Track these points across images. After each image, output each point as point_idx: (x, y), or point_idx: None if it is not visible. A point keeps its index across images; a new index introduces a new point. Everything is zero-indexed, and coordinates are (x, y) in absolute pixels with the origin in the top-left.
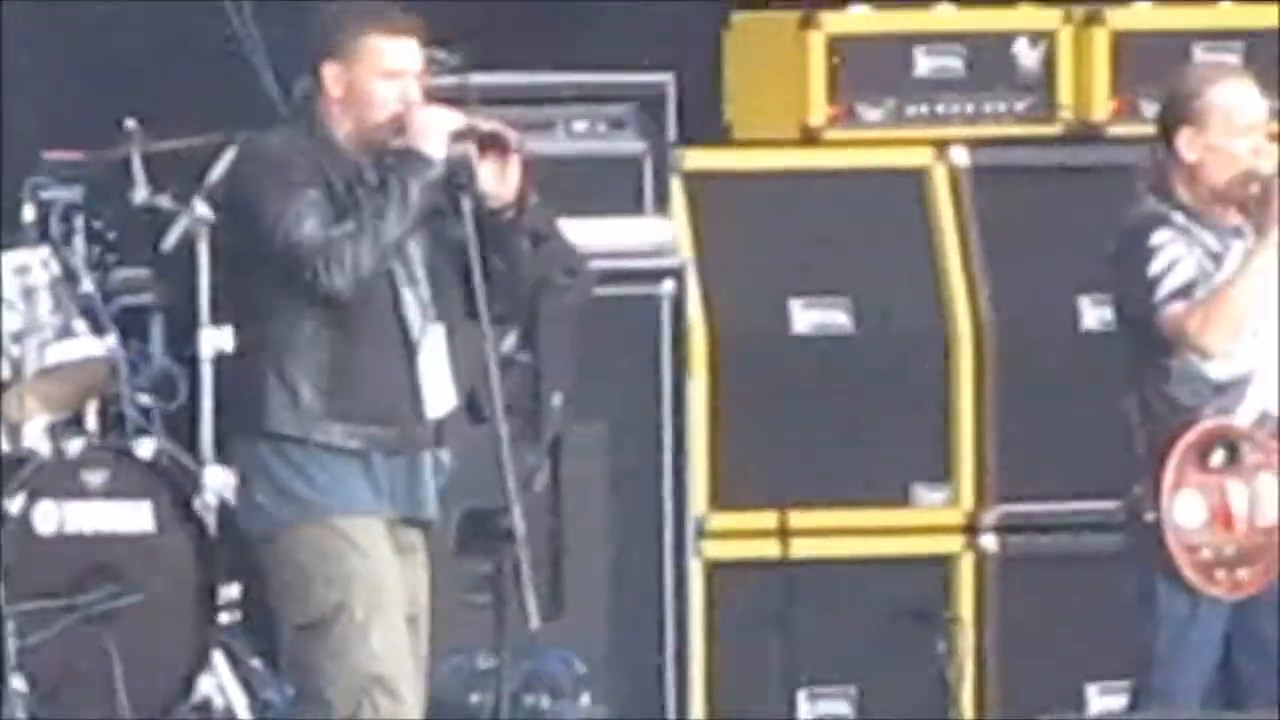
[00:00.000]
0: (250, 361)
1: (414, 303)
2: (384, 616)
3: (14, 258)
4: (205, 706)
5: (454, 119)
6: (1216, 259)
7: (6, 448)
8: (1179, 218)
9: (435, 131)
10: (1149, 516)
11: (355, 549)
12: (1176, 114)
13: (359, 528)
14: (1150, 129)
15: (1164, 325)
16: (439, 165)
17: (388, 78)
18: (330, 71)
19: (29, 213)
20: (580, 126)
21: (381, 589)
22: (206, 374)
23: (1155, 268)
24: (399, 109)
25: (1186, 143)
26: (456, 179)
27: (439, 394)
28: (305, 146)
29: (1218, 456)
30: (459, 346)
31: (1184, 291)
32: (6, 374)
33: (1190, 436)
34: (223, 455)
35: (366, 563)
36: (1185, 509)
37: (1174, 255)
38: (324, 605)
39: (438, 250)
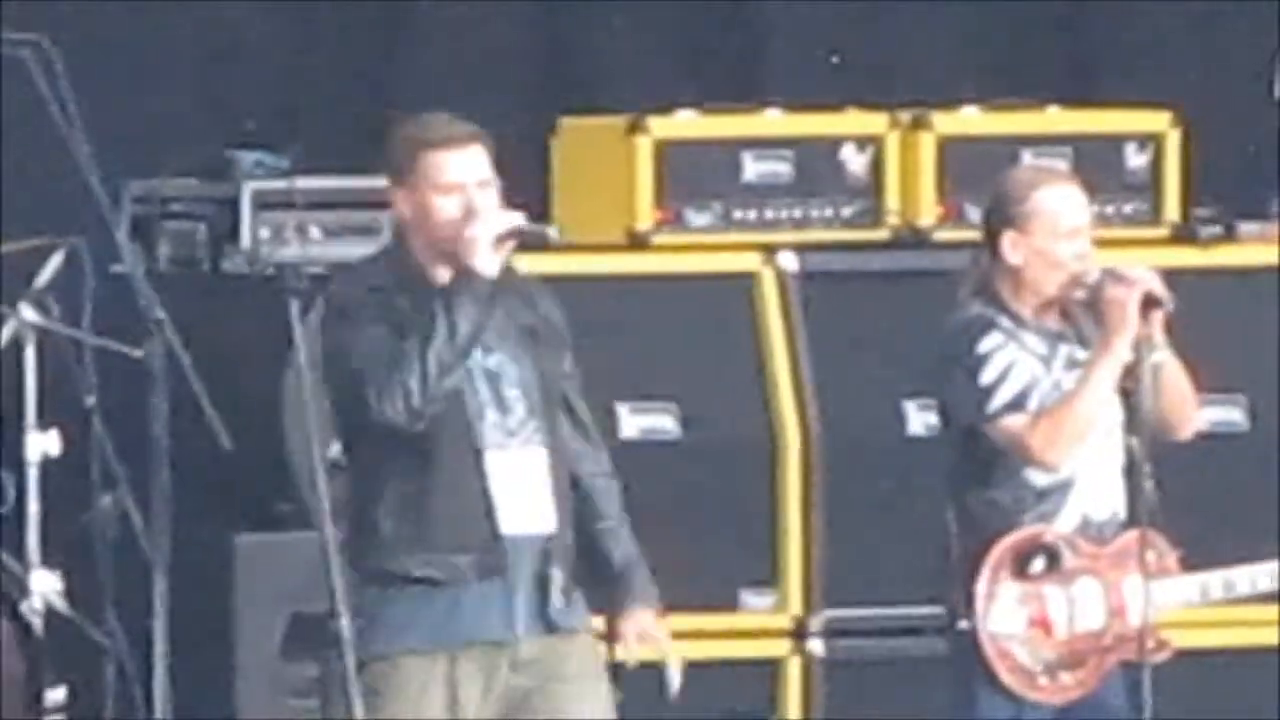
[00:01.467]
0: (352, 502)
1: (492, 422)
2: None
3: None
4: None
5: (498, 224)
6: (1045, 362)
7: None
8: (1005, 322)
9: (479, 244)
10: (962, 624)
11: (402, 691)
12: (1001, 218)
13: (415, 667)
14: (977, 234)
15: (999, 436)
16: (487, 280)
17: (447, 192)
18: (399, 195)
19: None
20: None
21: None
22: (33, 478)
23: (987, 377)
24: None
25: (1011, 247)
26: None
27: (515, 512)
28: (385, 277)
29: (1037, 563)
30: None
31: (1019, 402)
32: None
33: (1006, 543)
34: (49, 559)
35: (407, 706)
36: (1001, 616)
37: (1006, 362)
38: None
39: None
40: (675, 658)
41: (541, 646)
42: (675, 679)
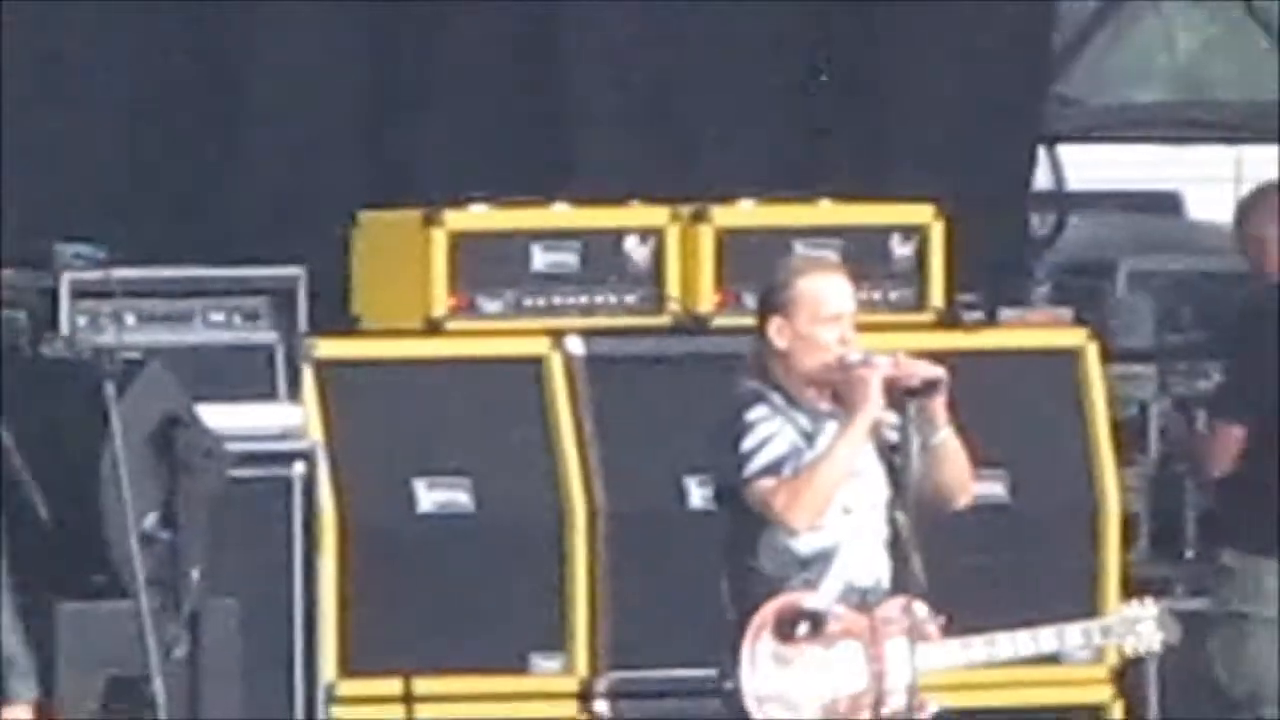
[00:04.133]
0: None
1: None
2: None
3: None
4: None
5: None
6: (809, 438)
7: None
8: (776, 398)
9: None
10: (728, 684)
11: None
12: (769, 303)
13: None
14: (753, 319)
15: (752, 498)
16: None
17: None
18: (774, 326)
19: None
20: (217, 317)
21: None
22: None
23: (748, 443)
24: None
25: (777, 330)
26: None
27: None
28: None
29: (802, 627)
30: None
31: (773, 468)
32: None
33: (767, 609)
34: None
35: None
36: (765, 678)
37: (767, 432)
38: None
39: None
40: None
41: None
42: None
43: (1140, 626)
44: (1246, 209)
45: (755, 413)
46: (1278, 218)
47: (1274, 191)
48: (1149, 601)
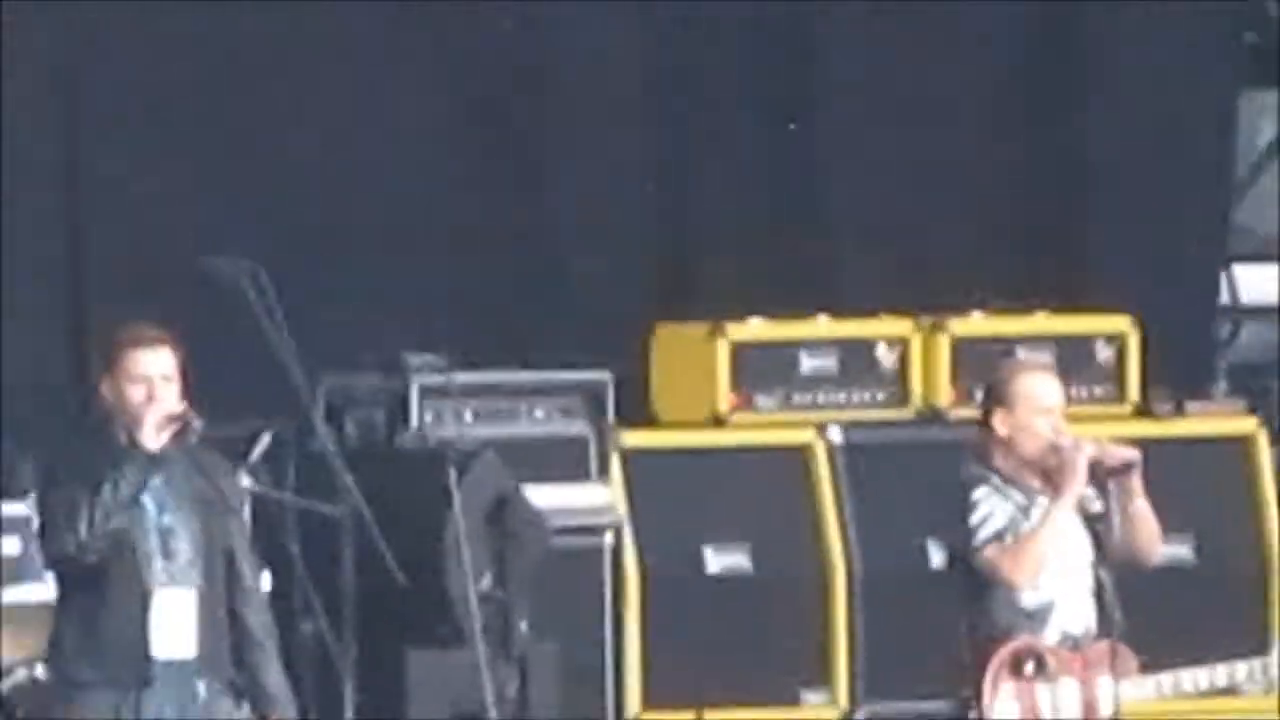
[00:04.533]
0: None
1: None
2: None
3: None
4: None
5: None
6: (1025, 512)
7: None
8: (996, 479)
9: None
10: (972, 715)
11: None
12: (992, 398)
13: None
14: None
15: (982, 563)
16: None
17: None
18: (997, 417)
19: None
20: (540, 414)
21: None
22: None
23: (975, 518)
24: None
25: (1000, 421)
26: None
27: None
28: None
29: (1029, 667)
30: None
31: (998, 537)
32: None
33: (1004, 652)
34: None
35: None
36: (1002, 708)
37: (990, 508)
38: None
39: None
40: None
41: None
42: None
43: None
44: None
45: (979, 492)
46: None
47: None
48: None
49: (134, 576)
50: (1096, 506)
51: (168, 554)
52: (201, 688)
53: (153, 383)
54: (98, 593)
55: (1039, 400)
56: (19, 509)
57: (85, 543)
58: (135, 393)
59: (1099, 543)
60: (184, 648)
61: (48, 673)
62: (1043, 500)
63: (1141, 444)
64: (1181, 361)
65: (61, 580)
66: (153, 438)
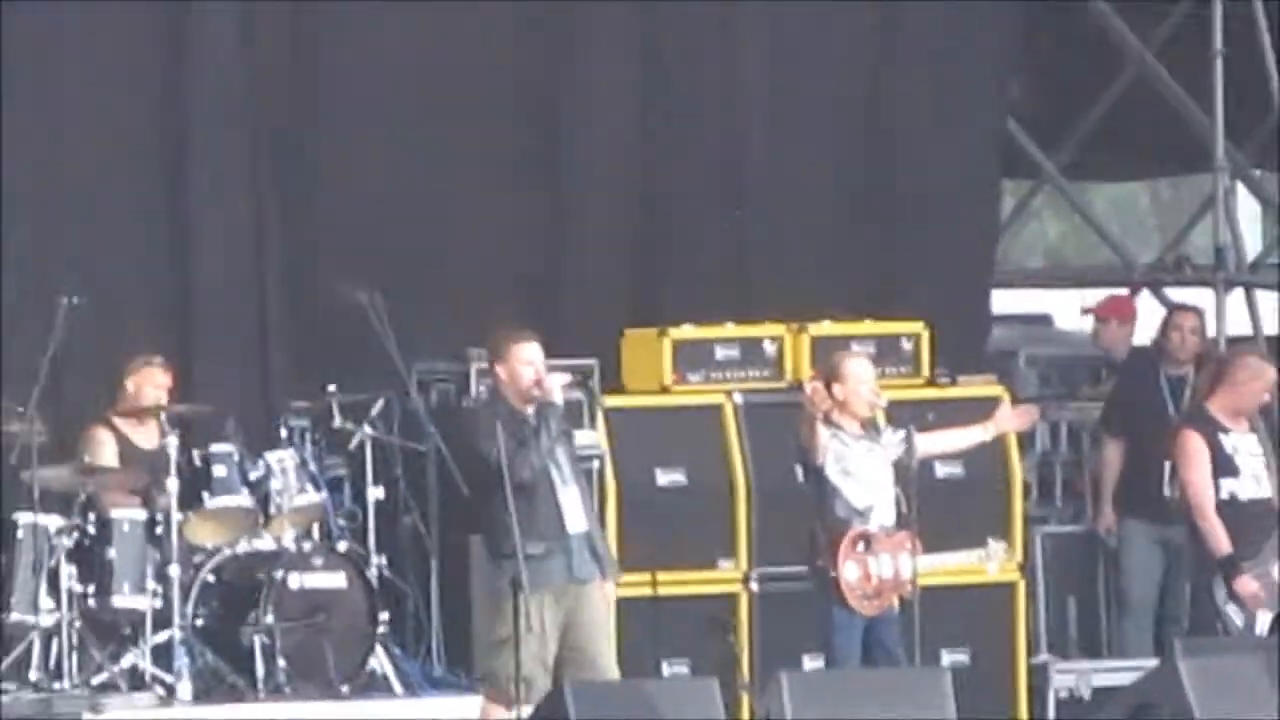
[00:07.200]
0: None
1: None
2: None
3: (275, 455)
4: (371, 674)
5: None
6: (847, 445)
7: (274, 546)
8: (832, 427)
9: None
10: (831, 575)
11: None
12: (830, 374)
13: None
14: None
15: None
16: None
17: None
18: (835, 388)
19: (284, 432)
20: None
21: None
22: (370, 509)
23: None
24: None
25: (837, 390)
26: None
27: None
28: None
29: (862, 545)
30: None
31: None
32: (273, 510)
33: (851, 533)
34: (380, 548)
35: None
36: (848, 570)
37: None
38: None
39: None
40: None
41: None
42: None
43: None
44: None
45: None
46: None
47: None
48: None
49: (549, 484)
50: (899, 443)
51: (560, 470)
52: (588, 552)
53: (537, 365)
54: (532, 496)
55: (861, 376)
56: (225, 447)
57: (537, 467)
58: (527, 372)
59: (899, 468)
60: (579, 524)
61: (489, 554)
62: (861, 442)
63: (930, 403)
64: (956, 351)
65: (506, 490)
66: (558, 399)
